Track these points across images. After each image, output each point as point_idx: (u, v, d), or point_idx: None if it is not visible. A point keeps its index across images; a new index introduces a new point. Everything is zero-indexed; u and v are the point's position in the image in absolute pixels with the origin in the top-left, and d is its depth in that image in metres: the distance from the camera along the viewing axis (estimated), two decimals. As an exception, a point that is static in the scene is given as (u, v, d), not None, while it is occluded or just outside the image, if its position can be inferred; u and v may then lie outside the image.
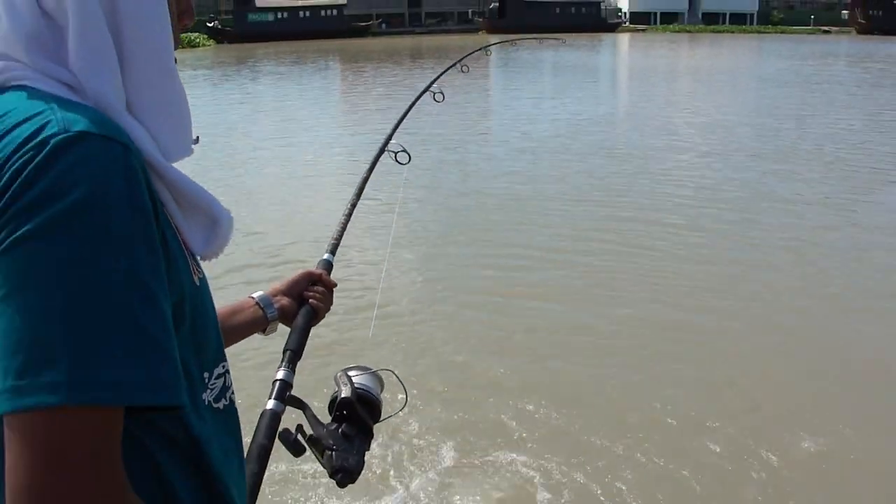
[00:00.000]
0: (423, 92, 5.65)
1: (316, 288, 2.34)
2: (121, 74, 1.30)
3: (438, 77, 6.17)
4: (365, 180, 3.43)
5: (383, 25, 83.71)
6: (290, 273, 2.31)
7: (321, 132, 20.50)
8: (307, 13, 77.76)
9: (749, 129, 20.73)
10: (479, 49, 10.51)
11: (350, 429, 2.09)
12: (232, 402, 1.57)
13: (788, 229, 11.41)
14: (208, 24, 76.90)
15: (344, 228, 2.98)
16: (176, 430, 1.34)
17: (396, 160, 3.69)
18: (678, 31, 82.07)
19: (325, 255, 2.73)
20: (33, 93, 1.23)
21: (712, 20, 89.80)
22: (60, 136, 1.13)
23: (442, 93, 5.79)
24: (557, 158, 16.83)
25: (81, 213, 1.11)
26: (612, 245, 10.69)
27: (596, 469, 5.74)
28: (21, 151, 1.13)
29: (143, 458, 1.23)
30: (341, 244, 2.88)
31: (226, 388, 1.54)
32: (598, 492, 5.48)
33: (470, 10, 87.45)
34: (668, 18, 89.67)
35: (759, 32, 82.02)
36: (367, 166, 3.56)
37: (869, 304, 8.77)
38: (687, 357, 7.48)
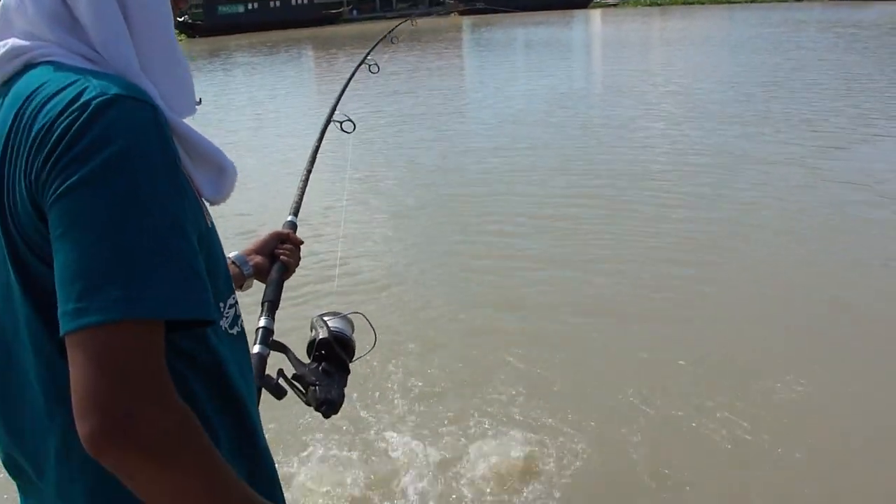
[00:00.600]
0: (360, 64, 6.22)
1: (285, 246, 2.54)
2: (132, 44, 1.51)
3: (371, 50, 6.90)
4: (317, 148, 3.73)
5: (354, 12, 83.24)
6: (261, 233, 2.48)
7: (295, 117, 20.53)
8: (277, 3, 77.30)
9: (721, 95, 20.85)
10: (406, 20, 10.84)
11: (329, 366, 2.30)
12: (243, 329, 1.78)
13: (762, 187, 11.59)
14: (178, 19, 76.02)
15: (303, 192, 3.22)
16: (199, 351, 1.54)
17: (342, 129, 4.03)
18: (649, 5, 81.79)
19: (289, 217, 2.95)
20: (61, 66, 1.43)
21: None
22: (100, 98, 1.33)
23: (377, 64, 6.41)
24: (532, 131, 16.96)
25: (123, 160, 1.31)
26: (585, 208, 10.93)
27: (559, 409, 5.95)
28: (66, 113, 1.32)
29: (172, 375, 1.35)
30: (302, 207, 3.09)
31: (237, 316, 1.75)
32: (560, 427, 5.67)
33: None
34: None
35: (729, 3, 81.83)
36: (318, 136, 3.85)
37: (841, 254, 8.97)
38: (668, 314, 7.60)
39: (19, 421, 1.55)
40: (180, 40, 70.03)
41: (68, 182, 1.29)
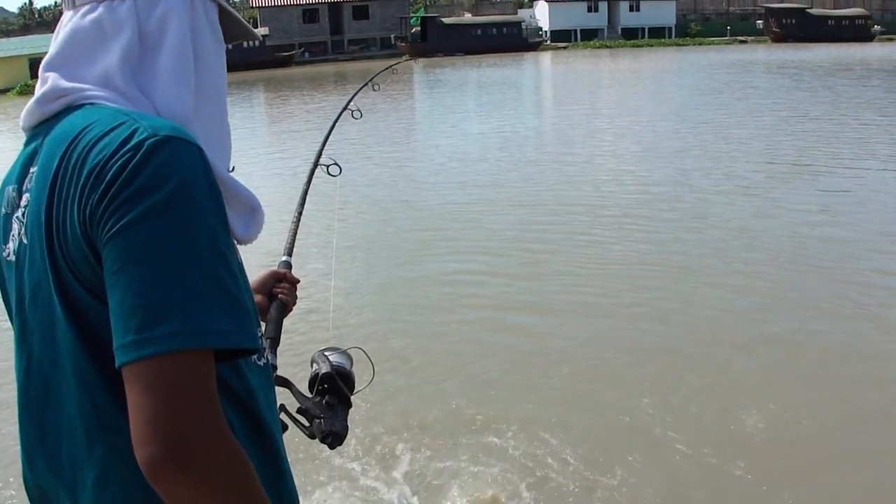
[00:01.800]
0: (343, 110, 6.09)
1: (282, 285, 2.58)
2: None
3: (354, 95, 6.76)
4: (306, 191, 3.80)
5: (306, 54, 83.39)
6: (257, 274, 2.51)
7: (256, 159, 20.53)
8: (229, 45, 76.67)
9: (671, 133, 21.13)
10: (387, 69, 10.93)
11: (332, 399, 2.37)
12: (268, 361, 1.86)
13: (713, 218, 11.89)
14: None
15: (295, 233, 3.28)
16: (234, 381, 1.60)
17: (328, 173, 4.12)
18: (598, 48, 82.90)
19: (284, 258, 2.99)
20: (103, 107, 1.50)
21: (631, 35, 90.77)
22: (152, 139, 1.38)
23: (360, 110, 6.34)
24: (485, 169, 17.10)
25: (176, 198, 1.36)
26: (541, 243, 11.02)
27: (534, 437, 5.92)
28: (121, 152, 1.37)
29: None
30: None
31: (263, 348, 1.84)
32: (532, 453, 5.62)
33: (392, 35, 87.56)
34: (589, 35, 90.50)
35: (677, 45, 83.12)
36: (306, 179, 3.93)
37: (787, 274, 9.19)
38: (626, 344, 7.68)
39: (56, 451, 1.58)
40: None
41: (125, 219, 1.34)
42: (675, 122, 23.06)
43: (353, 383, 2.50)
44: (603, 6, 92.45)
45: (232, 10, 1.80)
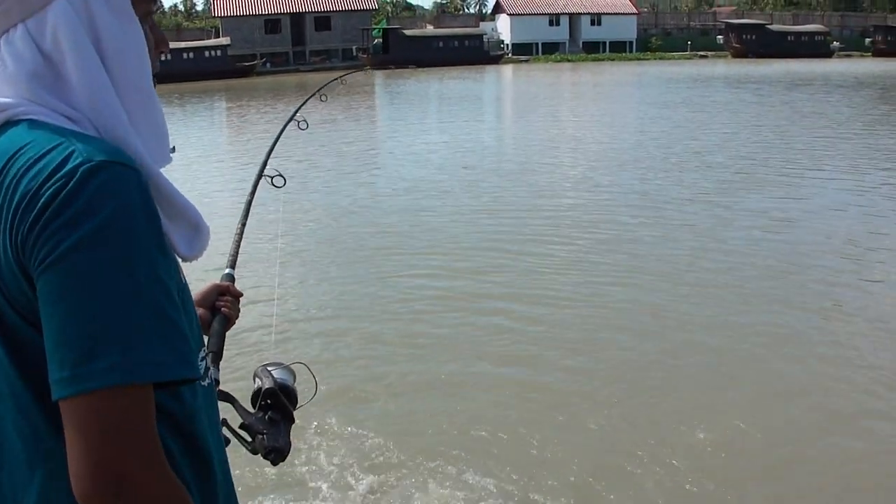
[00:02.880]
0: (289, 121, 6.18)
1: (225, 298, 2.52)
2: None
3: (301, 107, 6.92)
4: (249, 202, 3.80)
5: (268, 64, 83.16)
6: (200, 287, 2.45)
7: (210, 167, 20.41)
8: (191, 54, 76.87)
9: (632, 143, 21.37)
10: (335, 80, 10.97)
11: (275, 415, 2.33)
12: (212, 380, 1.85)
13: (671, 227, 12.13)
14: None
15: (238, 245, 3.27)
16: (174, 407, 1.54)
17: (272, 184, 4.08)
18: (560, 61, 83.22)
19: (227, 270, 2.95)
20: (43, 125, 1.43)
21: (593, 49, 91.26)
22: (86, 165, 1.32)
23: (306, 121, 6.42)
24: (444, 182, 17.08)
25: (111, 228, 1.31)
26: (501, 253, 11.06)
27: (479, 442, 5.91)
28: (53, 179, 1.32)
29: None
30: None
31: (207, 368, 1.78)
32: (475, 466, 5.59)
33: (354, 47, 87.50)
34: (550, 48, 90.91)
35: (638, 59, 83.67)
36: (250, 190, 3.92)
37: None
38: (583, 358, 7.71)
39: None
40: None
41: (58, 250, 1.29)
42: (634, 133, 23.35)
43: (296, 399, 2.47)
44: (564, 20, 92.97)
45: None
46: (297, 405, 2.46)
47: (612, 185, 15.73)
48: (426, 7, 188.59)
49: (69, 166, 1.32)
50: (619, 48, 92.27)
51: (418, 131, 27.77)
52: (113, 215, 1.32)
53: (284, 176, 4.04)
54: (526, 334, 8.27)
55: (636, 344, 7.93)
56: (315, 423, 6.38)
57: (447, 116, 32.98)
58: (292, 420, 2.38)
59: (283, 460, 2.24)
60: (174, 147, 1.72)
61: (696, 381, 7.18)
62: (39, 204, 1.31)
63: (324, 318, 9.10)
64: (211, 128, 34.12)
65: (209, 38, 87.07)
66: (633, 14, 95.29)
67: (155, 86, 1.62)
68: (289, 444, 2.28)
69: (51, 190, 1.31)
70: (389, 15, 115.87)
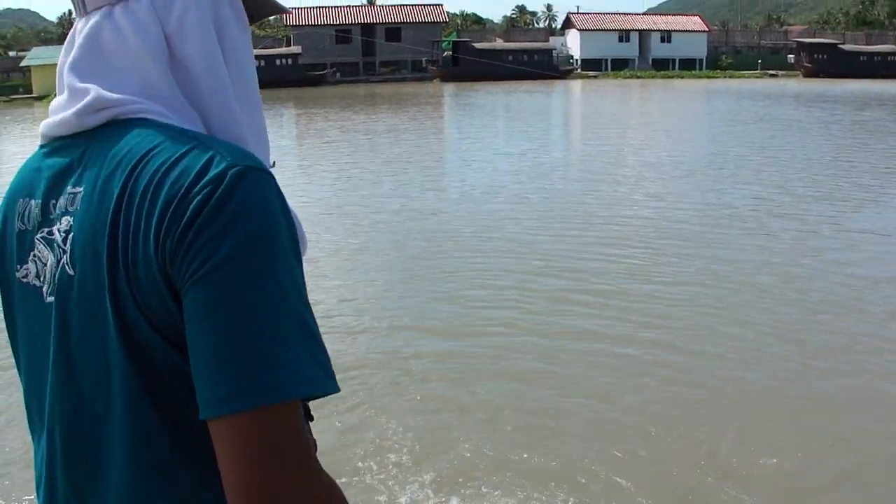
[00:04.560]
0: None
1: None
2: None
3: None
4: None
5: (338, 74, 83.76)
6: None
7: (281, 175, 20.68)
8: (262, 62, 77.72)
9: (707, 163, 21.11)
10: None
11: None
12: None
13: (758, 251, 11.65)
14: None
15: None
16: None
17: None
18: (629, 77, 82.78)
19: None
20: (162, 126, 1.36)
21: (662, 66, 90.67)
22: (234, 169, 1.26)
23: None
24: (515, 198, 16.82)
25: (262, 235, 1.26)
26: (572, 273, 10.93)
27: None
28: (201, 183, 1.25)
29: None
30: None
31: None
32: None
33: (424, 59, 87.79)
34: (619, 65, 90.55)
35: (708, 77, 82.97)
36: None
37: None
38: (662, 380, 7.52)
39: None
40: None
41: (212, 260, 1.24)
42: (707, 152, 23.02)
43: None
44: (634, 36, 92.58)
45: None
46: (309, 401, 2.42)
47: (692, 200, 15.59)
48: (496, 21, 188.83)
49: (215, 170, 1.26)
50: (688, 66, 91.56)
51: (488, 142, 27.80)
52: (263, 222, 1.27)
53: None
54: (607, 355, 8.14)
55: (743, 374, 7.52)
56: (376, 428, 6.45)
57: (518, 128, 32.96)
58: (311, 417, 2.38)
59: None
60: (274, 162, 1.63)
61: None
62: (190, 211, 1.24)
63: (386, 317, 9.12)
64: (279, 132, 34.40)
65: (281, 46, 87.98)
66: (704, 32, 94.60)
67: None
68: (314, 442, 2.28)
69: (201, 196, 1.24)
70: (459, 28, 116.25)
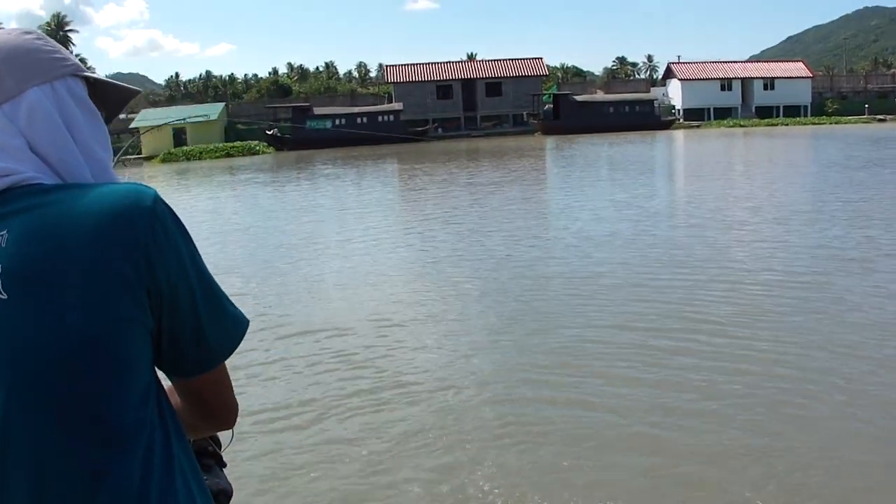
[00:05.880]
0: None
1: None
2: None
3: None
4: None
5: (439, 130, 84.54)
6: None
7: (380, 231, 20.90)
8: (364, 119, 78.91)
9: (817, 207, 20.79)
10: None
11: (207, 460, 2.42)
12: None
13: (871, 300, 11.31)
14: (267, 132, 78.14)
15: None
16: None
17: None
18: (732, 126, 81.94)
19: None
20: (78, 185, 1.70)
21: (766, 113, 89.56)
22: (154, 198, 1.67)
23: None
24: (618, 248, 16.71)
25: (186, 230, 1.72)
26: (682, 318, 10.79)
27: None
28: (136, 211, 1.63)
29: None
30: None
31: None
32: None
33: (525, 112, 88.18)
34: (722, 114, 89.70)
35: (813, 124, 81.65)
36: None
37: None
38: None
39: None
40: (268, 152, 72.03)
41: (174, 246, 1.68)
42: (816, 198, 22.67)
43: (220, 442, 2.52)
44: (736, 85, 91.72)
45: (102, 78, 1.92)
46: (221, 448, 2.52)
47: (806, 244, 15.46)
48: (596, 73, 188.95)
49: (146, 203, 1.65)
50: (792, 112, 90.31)
51: (594, 191, 27.84)
52: (181, 223, 1.73)
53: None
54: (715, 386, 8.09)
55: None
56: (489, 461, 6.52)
57: (621, 177, 32.92)
58: (223, 464, 2.47)
59: (228, 503, 2.38)
60: None
61: None
62: (139, 231, 1.62)
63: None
64: (382, 189, 34.82)
65: (382, 103, 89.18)
66: (808, 77, 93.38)
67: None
68: (230, 486, 2.41)
69: (144, 220, 1.63)
70: (560, 80, 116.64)
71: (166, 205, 1.67)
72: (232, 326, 1.78)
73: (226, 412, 1.89)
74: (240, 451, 6.88)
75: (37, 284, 1.54)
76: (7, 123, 1.67)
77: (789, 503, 5.88)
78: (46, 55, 1.76)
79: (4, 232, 1.58)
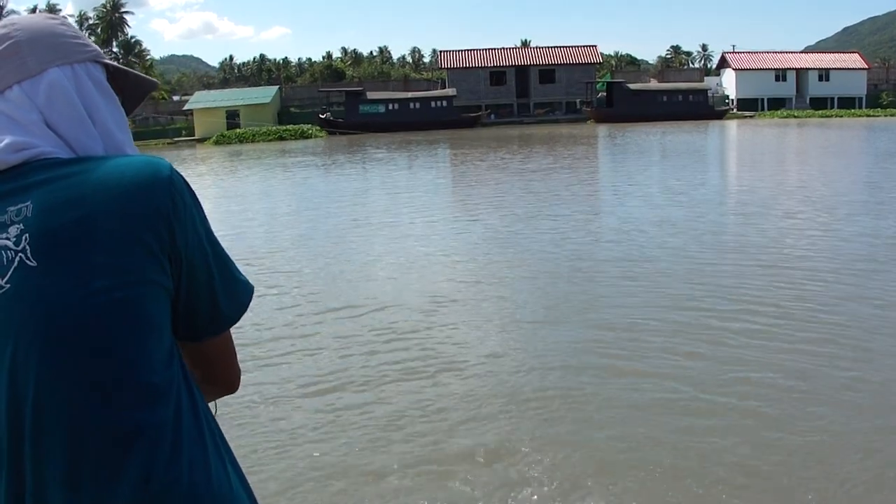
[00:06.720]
0: None
1: None
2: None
3: None
4: None
5: (492, 116, 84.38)
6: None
7: (429, 215, 21.28)
8: (417, 104, 79.05)
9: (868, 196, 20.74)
10: None
11: None
12: None
13: None
14: (321, 116, 78.59)
15: None
16: None
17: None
18: (786, 117, 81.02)
19: None
20: (76, 158, 1.76)
21: (820, 105, 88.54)
22: (171, 170, 1.76)
23: None
24: (671, 234, 16.70)
25: (198, 200, 1.84)
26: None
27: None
28: (156, 182, 1.72)
29: None
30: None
31: None
32: None
33: (578, 100, 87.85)
34: (776, 104, 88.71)
35: (868, 116, 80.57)
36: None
37: None
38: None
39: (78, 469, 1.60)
40: (320, 136, 72.25)
41: (191, 214, 1.79)
42: (871, 190, 22.66)
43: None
44: (791, 75, 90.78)
45: (122, 66, 1.97)
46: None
47: (866, 232, 15.42)
48: (650, 61, 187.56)
49: (164, 173, 1.74)
50: (847, 104, 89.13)
51: (646, 178, 27.89)
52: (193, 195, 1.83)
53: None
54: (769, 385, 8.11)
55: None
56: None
57: (675, 165, 33.02)
58: None
59: None
60: None
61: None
62: (158, 200, 1.71)
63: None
64: (432, 170, 35.00)
65: (435, 88, 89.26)
66: (864, 69, 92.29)
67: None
68: None
69: (162, 190, 1.72)
70: (614, 68, 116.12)
71: (181, 176, 1.77)
72: (242, 291, 1.91)
73: (233, 376, 2.03)
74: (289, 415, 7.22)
75: (65, 252, 1.60)
76: (26, 100, 1.74)
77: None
78: (69, 39, 1.84)
79: (29, 203, 1.63)
